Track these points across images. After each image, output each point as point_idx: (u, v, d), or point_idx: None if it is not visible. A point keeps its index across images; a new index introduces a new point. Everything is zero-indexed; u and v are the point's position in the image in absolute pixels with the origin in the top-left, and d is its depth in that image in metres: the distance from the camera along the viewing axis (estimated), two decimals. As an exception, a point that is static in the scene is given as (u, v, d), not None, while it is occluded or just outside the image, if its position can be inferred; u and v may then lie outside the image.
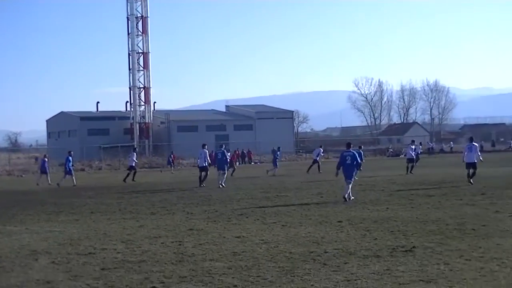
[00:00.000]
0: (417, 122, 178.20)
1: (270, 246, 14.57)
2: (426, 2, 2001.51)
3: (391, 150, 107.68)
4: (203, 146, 38.36)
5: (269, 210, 22.74)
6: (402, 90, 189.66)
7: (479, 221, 17.57)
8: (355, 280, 10.82)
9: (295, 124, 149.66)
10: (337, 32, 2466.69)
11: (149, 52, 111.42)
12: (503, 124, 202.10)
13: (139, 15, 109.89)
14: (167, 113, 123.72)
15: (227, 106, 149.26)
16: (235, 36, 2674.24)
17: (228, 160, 40.72)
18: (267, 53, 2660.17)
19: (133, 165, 47.01)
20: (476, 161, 31.54)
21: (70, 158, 45.12)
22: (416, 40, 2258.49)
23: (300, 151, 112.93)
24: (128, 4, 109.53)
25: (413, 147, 46.67)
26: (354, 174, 26.25)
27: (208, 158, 37.78)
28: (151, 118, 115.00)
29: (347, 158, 25.75)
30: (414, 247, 13.77)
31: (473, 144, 32.21)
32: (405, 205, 22.72)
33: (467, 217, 18.73)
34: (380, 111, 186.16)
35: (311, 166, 51.60)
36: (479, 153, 32.24)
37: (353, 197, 25.41)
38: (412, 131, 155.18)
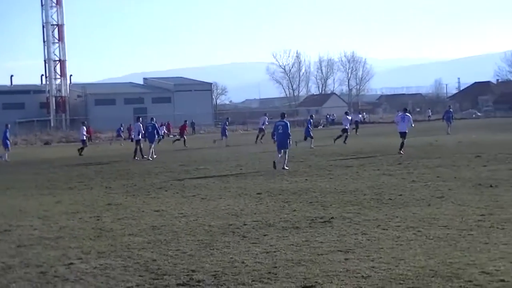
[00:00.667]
0: (335, 93, 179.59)
1: (189, 220, 14.54)
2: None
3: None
4: (138, 119, 39.16)
5: (188, 183, 22.70)
6: (320, 61, 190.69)
7: (395, 191, 17.87)
8: (274, 252, 10.86)
9: (213, 96, 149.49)
10: (254, 3, 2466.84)
11: (63, 24, 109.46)
12: (419, 94, 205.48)
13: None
14: (84, 86, 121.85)
15: (145, 79, 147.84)
16: (151, 7, 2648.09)
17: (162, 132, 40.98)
18: (183, 24, 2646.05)
19: (84, 139, 46.33)
20: (407, 131, 32.49)
21: (8, 131, 44.01)
22: (331, 12, 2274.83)
23: (219, 123, 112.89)
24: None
25: (349, 117, 48.18)
26: (288, 143, 26.60)
27: (143, 131, 37.71)
28: (68, 92, 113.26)
29: (279, 127, 26.60)
30: (332, 217, 13.91)
31: (406, 115, 33.47)
32: (323, 176, 22.95)
33: (384, 187, 19.03)
34: (299, 83, 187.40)
35: (258, 136, 51.91)
36: (411, 121, 33.53)
37: (274, 169, 25.64)
38: (331, 102, 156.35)
